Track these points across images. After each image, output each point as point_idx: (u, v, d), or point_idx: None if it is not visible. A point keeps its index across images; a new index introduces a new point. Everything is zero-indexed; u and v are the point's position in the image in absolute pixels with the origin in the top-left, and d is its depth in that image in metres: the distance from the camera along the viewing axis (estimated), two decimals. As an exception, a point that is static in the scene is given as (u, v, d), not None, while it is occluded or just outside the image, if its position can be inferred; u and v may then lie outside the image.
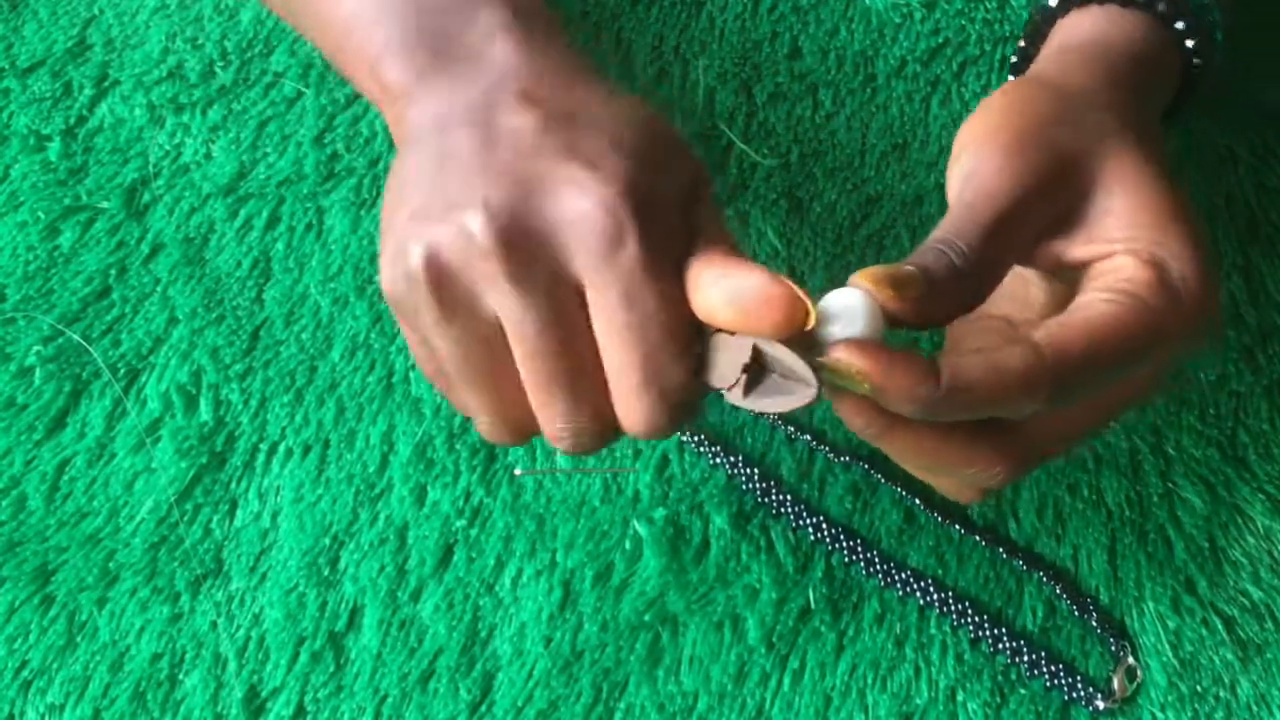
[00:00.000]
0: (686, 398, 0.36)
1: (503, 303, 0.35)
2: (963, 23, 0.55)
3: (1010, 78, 0.46)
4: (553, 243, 0.34)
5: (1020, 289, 0.42)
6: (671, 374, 0.35)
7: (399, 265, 0.35)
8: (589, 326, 0.35)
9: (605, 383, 0.36)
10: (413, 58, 0.39)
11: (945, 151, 0.53)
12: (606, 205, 0.34)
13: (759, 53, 0.55)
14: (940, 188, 0.53)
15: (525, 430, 0.38)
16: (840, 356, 0.33)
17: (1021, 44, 0.45)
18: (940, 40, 0.55)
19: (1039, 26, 0.44)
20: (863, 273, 0.34)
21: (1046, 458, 0.38)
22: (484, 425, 0.38)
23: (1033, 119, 0.38)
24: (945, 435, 0.35)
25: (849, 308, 0.33)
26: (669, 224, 0.35)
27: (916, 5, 0.55)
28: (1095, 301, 0.35)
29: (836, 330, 0.33)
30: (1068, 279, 0.39)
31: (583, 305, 0.35)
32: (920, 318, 0.34)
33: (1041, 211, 0.37)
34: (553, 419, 0.36)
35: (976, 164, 0.37)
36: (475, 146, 0.36)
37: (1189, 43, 0.42)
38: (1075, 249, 0.38)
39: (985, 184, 0.36)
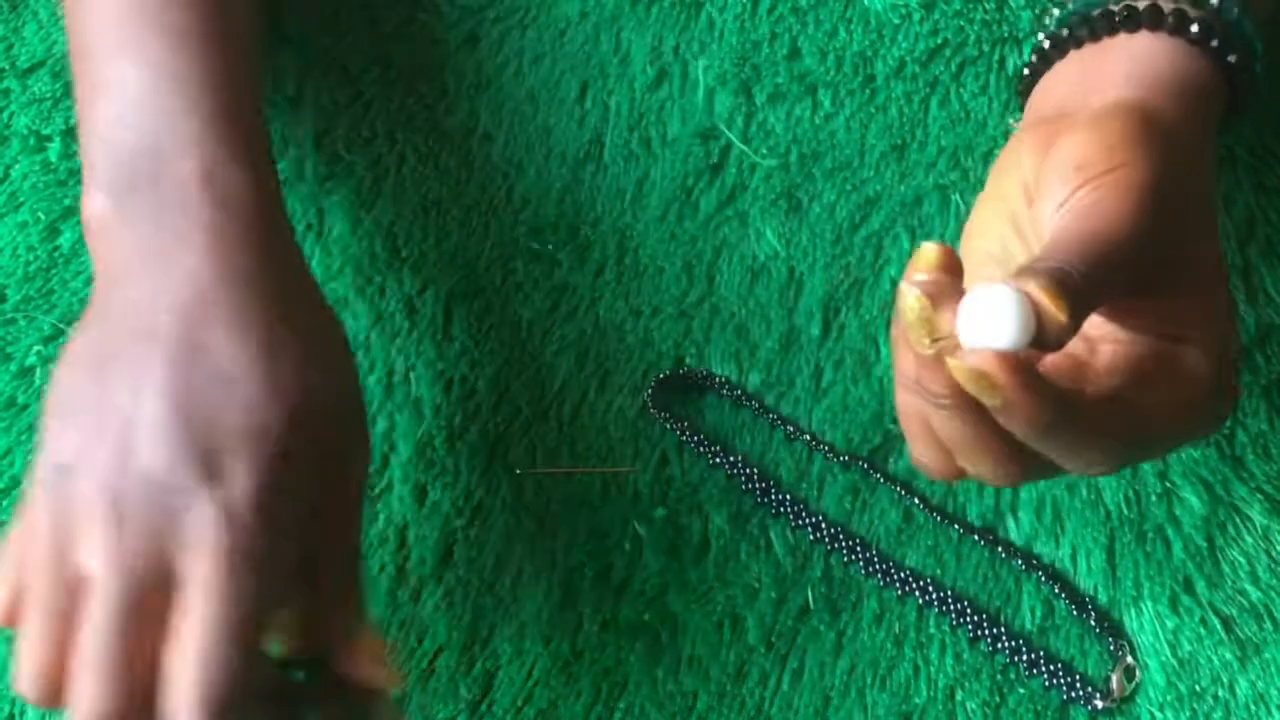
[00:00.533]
0: None
1: (98, 562, 0.36)
2: (961, 24, 0.55)
3: (1027, 68, 0.46)
4: (167, 536, 0.35)
5: None
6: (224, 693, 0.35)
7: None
8: (163, 623, 0.36)
9: (150, 686, 0.36)
10: (118, 202, 0.40)
11: (944, 152, 0.53)
12: (227, 524, 0.35)
13: (758, 53, 0.55)
14: (939, 188, 0.53)
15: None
16: (982, 367, 0.31)
17: (1047, 45, 0.44)
18: (939, 41, 0.55)
19: (1085, 32, 0.43)
20: (1033, 274, 0.32)
21: (1044, 477, 0.38)
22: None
23: (1157, 172, 0.37)
24: (996, 430, 0.35)
25: (1001, 311, 0.31)
26: (293, 528, 0.37)
27: (915, 6, 0.55)
28: (1157, 381, 0.37)
29: (981, 335, 0.31)
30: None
31: (169, 597, 0.36)
32: (1063, 341, 0.33)
33: (1138, 269, 0.36)
34: (80, 695, 0.36)
35: (1104, 198, 0.36)
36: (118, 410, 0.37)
37: (1239, 75, 0.42)
38: (1145, 320, 0.38)
39: (1108, 224, 0.36)
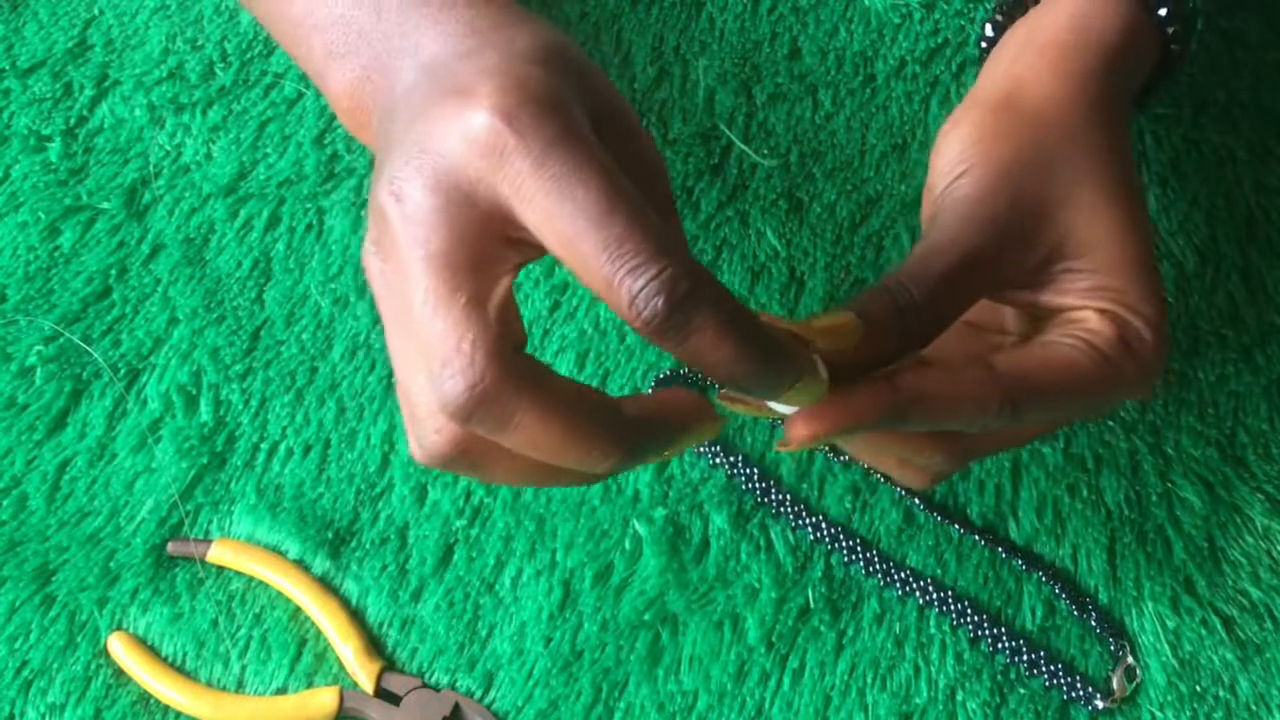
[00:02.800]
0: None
1: None
2: (962, 23, 0.55)
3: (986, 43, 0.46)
4: (465, 182, 0.31)
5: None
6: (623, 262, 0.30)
7: None
8: None
9: None
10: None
11: (945, 152, 0.53)
12: (485, 115, 0.30)
13: (759, 53, 0.55)
14: (940, 188, 0.53)
15: None
16: (803, 439, 0.34)
17: (989, 31, 0.45)
18: (939, 40, 0.55)
19: (1012, 7, 0.44)
20: (796, 325, 0.34)
21: (980, 455, 0.40)
22: None
23: (1006, 165, 0.38)
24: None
25: None
26: (567, 119, 0.31)
27: (916, 6, 0.55)
28: (1057, 343, 0.37)
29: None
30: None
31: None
32: (860, 359, 0.34)
33: (1007, 265, 0.38)
34: None
35: (944, 207, 0.38)
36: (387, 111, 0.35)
37: (1169, 29, 0.42)
38: (1041, 298, 0.39)
39: (947, 233, 0.37)
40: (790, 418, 0.34)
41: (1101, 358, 0.37)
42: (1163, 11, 0.42)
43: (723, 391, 0.35)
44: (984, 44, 0.46)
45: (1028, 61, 0.41)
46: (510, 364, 0.31)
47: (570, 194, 0.30)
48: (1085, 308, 0.38)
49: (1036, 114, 0.39)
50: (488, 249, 0.31)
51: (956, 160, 0.39)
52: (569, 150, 0.30)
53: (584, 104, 0.33)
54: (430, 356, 0.31)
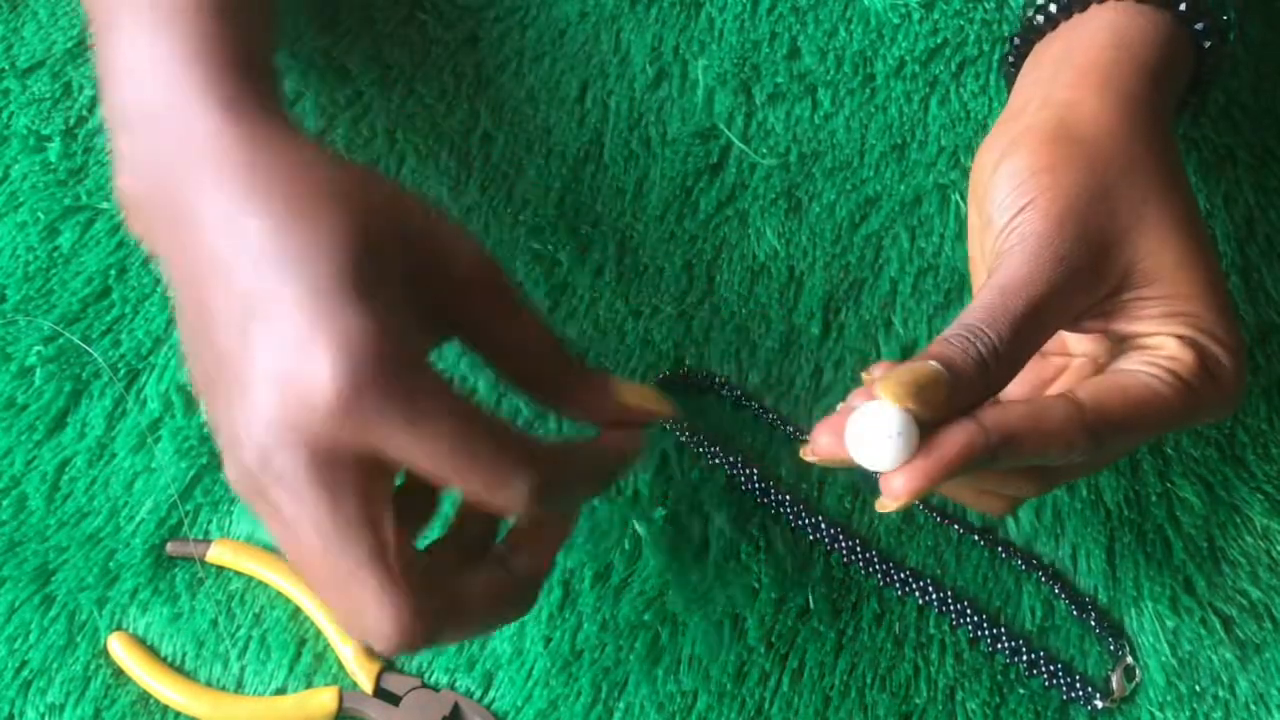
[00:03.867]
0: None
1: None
2: (961, 23, 0.55)
3: (1011, 52, 0.46)
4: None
5: None
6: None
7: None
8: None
9: None
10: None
11: (944, 152, 0.53)
12: (330, 387, 0.32)
13: (758, 53, 0.55)
14: (939, 188, 0.53)
15: None
16: (904, 496, 0.33)
17: (1017, 41, 0.45)
18: (939, 41, 0.55)
19: (1043, 23, 0.43)
20: (885, 384, 0.33)
21: (1062, 481, 0.40)
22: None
23: (1071, 199, 0.37)
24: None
25: (887, 434, 0.33)
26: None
27: (915, 6, 0.55)
28: (1137, 372, 0.37)
29: (883, 458, 0.33)
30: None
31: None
32: (944, 416, 0.34)
33: (1078, 300, 0.37)
34: None
35: (1011, 243, 0.37)
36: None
37: (1205, 44, 0.42)
38: (1114, 325, 0.38)
39: (1019, 272, 0.36)
40: (885, 475, 0.34)
41: (1184, 386, 0.36)
42: (1199, 26, 0.41)
43: (805, 449, 0.36)
44: (1011, 57, 0.45)
45: (1068, 82, 0.40)
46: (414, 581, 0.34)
47: (433, 435, 0.32)
48: (1162, 334, 0.37)
49: (1093, 143, 0.38)
50: (371, 488, 0.33)
51: (1017, 192, 0.38)
52: (417, 400, 0.32)
53: (402, 261, 0.34)
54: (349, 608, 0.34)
